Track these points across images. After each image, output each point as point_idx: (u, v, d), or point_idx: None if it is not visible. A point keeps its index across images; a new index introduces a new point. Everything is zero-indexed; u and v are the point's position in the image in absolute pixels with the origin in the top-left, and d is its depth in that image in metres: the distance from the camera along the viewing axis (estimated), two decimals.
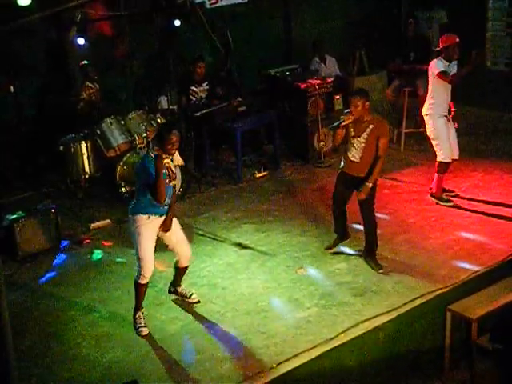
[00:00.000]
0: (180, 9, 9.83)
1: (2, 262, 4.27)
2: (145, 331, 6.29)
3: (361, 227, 7.41)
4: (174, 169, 6.21)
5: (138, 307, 6.38)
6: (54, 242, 7.97)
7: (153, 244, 6.25)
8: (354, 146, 6.97)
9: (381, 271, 7.08)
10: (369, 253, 7.26)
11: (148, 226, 6.19)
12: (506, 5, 12.15)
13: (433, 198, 8.50)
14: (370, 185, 6.94)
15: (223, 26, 10.75)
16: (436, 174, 8.41)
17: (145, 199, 6.16)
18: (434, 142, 8.37)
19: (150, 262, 6.21)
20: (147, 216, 6.18)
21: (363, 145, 6.92)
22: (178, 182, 6.65)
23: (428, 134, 8.45)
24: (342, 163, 7.19)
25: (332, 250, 7.52)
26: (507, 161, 9.61)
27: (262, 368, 5.74)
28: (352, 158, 7.01)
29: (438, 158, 8.35)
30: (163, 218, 6.28)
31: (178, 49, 10.49)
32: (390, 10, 12.92)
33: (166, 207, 6.26)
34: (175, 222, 6.43)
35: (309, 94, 10.07)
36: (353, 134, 6.94)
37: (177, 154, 6.37)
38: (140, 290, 6.32)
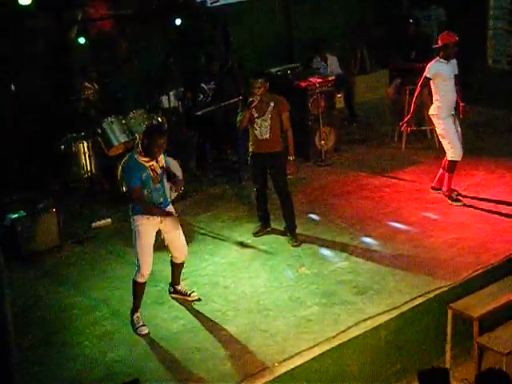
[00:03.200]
0: (182, 7, 9.85)
1: (4, 262, 4.27)
2: (145, 330, 6.28)
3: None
4: (158, 171, 6.17)
5: (135, 307, 6.36)
6: (56, 241, 7.97)
7: (151, 242, 6.25)
8: (260, 126, 7.49)
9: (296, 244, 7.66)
10: (293, 235, 7.74)
11: (147, 225, 6.21)
12: (508, 3, 12.15)
13: (444, 196, 8.51)
14: (292, 157, 7.61)
15: (224, 24, 10.76)
16: (446, 173, 8.41)
17: None
18: (444, 141, 8.38)
19: (148, 260, 6.21)
20: (146, 217, 6.21)
21: (269, 122, 7.47)
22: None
23: (438, 133, 8.50)
24: (251, 148, 7.65)
25: (259, 236, 7.93)
26: (509, 159, 9.58)
27: (263, 366, 5.74)
28: (261, 137, 7.52)
29: (449, 157, 8.34)
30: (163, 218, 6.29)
31: (181, 47, 10.49)
32: (391, 8, 12.91)
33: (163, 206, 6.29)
34: (176, 219, 6.41)
35: (310, 92, 10.05)
36: (256, 115, 7.45)
37: (162, 156, 6.26)
38: (138, 288, 6.30)
